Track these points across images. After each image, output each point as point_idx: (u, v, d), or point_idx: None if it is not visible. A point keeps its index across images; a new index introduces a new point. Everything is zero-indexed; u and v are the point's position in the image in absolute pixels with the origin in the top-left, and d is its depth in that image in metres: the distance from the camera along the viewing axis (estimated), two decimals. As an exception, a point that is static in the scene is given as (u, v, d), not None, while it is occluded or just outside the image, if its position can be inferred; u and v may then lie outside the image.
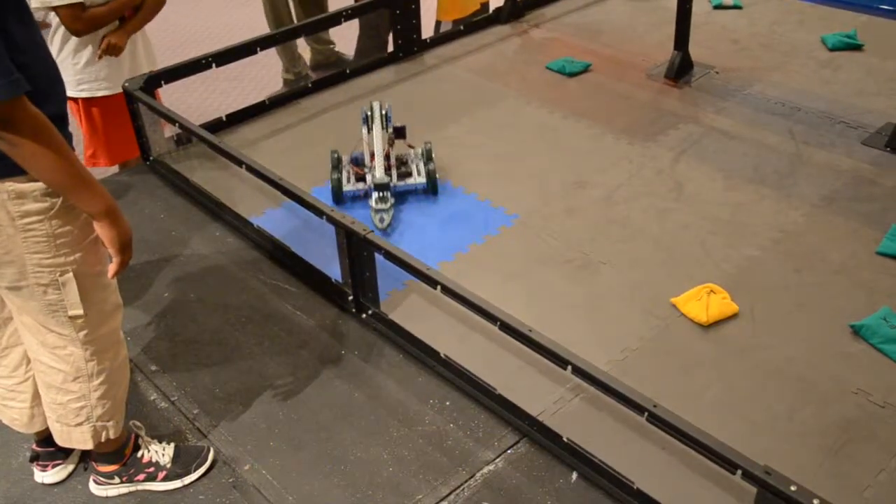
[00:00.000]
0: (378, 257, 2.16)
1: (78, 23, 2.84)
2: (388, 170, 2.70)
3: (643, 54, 3.60)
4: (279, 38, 3.41)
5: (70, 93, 3.03)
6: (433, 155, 2.78)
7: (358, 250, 2.19)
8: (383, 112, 2.75)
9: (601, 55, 3.61)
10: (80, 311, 1.63)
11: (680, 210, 2.65)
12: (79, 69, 2.94)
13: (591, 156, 2.94)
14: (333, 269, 2.32)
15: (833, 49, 3.57)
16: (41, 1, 2.75)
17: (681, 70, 3.36)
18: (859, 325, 2.16)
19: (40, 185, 1.51)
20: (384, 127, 2.75)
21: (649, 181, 2.79)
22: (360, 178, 2.75)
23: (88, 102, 2.99)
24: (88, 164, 3.12)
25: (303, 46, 5.15)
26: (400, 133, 2.78)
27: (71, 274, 1.60)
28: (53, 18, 2.89)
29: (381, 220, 2.59)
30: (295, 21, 4.82)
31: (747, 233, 2.53)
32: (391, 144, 2.76)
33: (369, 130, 2.74)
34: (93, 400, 1.75)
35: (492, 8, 4.10)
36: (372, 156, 2.72)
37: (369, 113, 2.76)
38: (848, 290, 2.31)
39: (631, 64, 3.53)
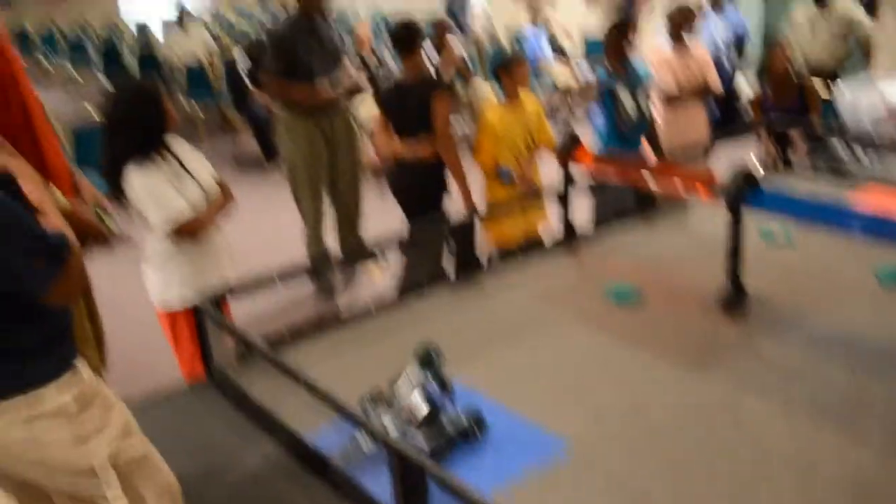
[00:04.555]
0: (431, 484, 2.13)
1: (189, 227, 3.09)
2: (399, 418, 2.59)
3: (697, 283, 3.66)
4: (347, 261, 3.58)
5: (172, 300, 3.23)
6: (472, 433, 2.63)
7: (411, 477, 2.17)
8: (435, 356, 2.65)
9: (656, 284, 3.68)
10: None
11: (739, 446, 2.59)
12: (179, 271, 3.13)
13: (646, 385, 2.93)
14: (386, 490, 2.30)
15: (888, 283, 3.59)
16: (162, 217, 3.02)
17: (735, 301, 3.40)
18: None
19: (59, 395, 1.60)
20: (431, 379, 2.67)
21: (705, 414, 2.75)
22: (383, 399, 2.73)
23: (185, 312, 3.11)
24: (189, 378, 3.22)
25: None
26: (445, 388, 2.68)
27: (105, 460, 1.63)
28: (152, 234, 3.11)
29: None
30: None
31: (811, 471, 2.45)
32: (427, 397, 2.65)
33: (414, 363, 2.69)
34: None
35: (548, 236, 4.26)
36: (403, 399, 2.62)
37: (419, 355, 2.68)
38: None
39: (686, 293, 3.59)
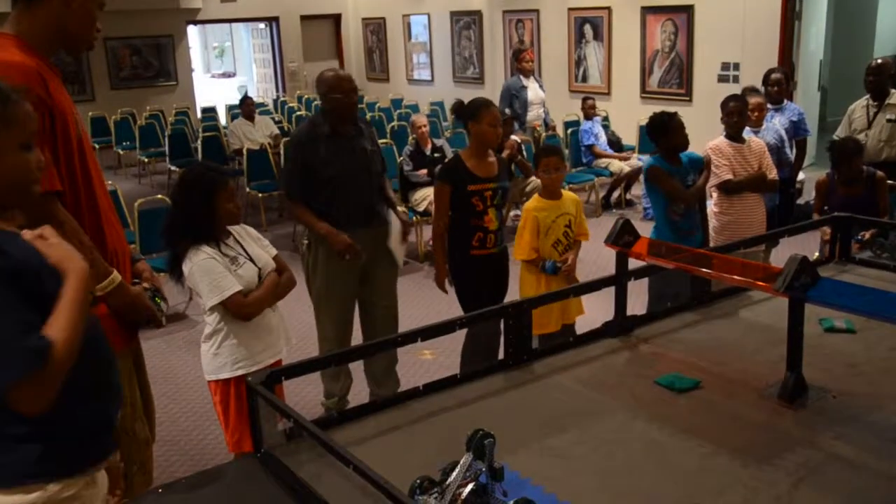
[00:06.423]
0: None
1: (245, 308, 3.27)
2: None
3: (755, 374, 3.57)
4: (395, 342, 3.58)
5: (224, 375, 3.34)
6: None
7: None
8: (488, 447, 2.54)
9: (711, 372, 3.60)
10: None
11: (801, 543, 2.48)
12: (233, 348, 3.25)
13: (701, 477, 2.84)
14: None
15: (957, 379, 3.46)
16: (219, 298, 3.19)
17: (795, 392, 3.30)
18: None
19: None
20: (480, 457, 2.57)
21: (765, 508, 2.65)
22: (434, 488, 2.65)
23: (240, 381, 3.20)
24: (234, 450, 3.27)
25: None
26: (496, 475, 2.58)
27: None
28: (209, 314, 3.25)
29: None
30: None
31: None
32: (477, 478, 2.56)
33: (467, 450, 2.59)
34: None
35: (601, 322, 4.21)
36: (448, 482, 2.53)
37: (470, 439, 2.57)
38: None
39: (742, 383, 3.50)
